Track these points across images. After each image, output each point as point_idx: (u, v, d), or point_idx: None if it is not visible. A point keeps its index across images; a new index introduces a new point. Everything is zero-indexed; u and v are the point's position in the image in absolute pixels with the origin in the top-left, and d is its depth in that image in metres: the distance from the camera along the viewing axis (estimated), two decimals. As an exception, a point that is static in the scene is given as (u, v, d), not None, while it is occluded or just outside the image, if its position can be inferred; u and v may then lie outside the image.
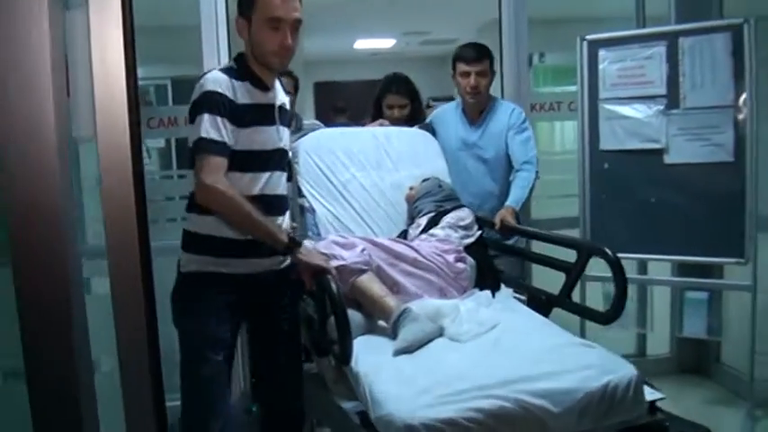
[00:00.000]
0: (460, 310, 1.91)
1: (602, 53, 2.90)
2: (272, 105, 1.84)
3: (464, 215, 2.38)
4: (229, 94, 1.71)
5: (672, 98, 2.76)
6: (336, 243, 2.04)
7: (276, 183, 1.87)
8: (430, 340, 1.80)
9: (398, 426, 1.43)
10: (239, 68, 1.79)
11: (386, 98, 2.99)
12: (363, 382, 1.64)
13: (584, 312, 2.15)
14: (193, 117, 1.71)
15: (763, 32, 2.55)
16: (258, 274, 1.85)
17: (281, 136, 1.87)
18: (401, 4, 4.56)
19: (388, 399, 1.52)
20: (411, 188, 2.54)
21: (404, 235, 2.43)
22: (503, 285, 2.28)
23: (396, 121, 2.92)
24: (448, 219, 2.34)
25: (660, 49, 2.76)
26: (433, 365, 1.65)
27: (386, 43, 7.40)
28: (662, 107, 2.78)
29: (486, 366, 1.61)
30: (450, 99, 3.00)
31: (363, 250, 2.02)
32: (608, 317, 1.98)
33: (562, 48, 2.56)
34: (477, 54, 2.70)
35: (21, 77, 0.69)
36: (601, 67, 2.91)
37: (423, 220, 2.38)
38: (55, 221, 0.71)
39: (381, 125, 2.83)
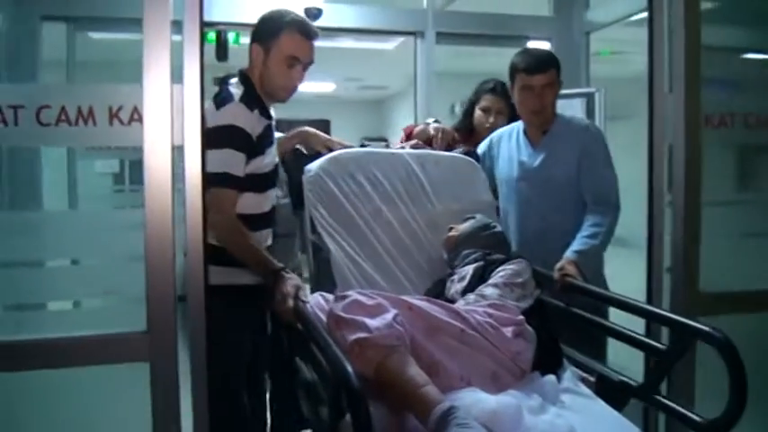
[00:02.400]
0: (524, 416, 1.38)
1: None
2: (271, 126, 1.94)
3: (521, 269, 1.84)
4: (248, 129, 1.80)
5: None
6: (360, 305, 1.49)
7: (273, 198, 2.00)
8: None
9: None
10: (248, 93, 1.85)
11: (480, 100, 2.50)
12: None
13: (682, 415, 1.58)
14: (216, 144, 1.72)
15: (611, 96, 3.30)
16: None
17: (274, 153, 1.99)
18: (340, 53, 5.16)
19: None
20: (451, 228, 2.03)
21: (440, 288, 1.92)
22: (565, 361, 1.76)
23: (488, 134, 2.42)
24: (501, 274, 1.81)
25: None
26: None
27: (328, 87, 8.43)
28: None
29: None
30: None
31: (396, 317, 1.47)
32: (718, 426, 1.45)
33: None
34: (541, 63, 2.12)
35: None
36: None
37: (467, 271, 1.87)
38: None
39: (416, 146, 2.30)
